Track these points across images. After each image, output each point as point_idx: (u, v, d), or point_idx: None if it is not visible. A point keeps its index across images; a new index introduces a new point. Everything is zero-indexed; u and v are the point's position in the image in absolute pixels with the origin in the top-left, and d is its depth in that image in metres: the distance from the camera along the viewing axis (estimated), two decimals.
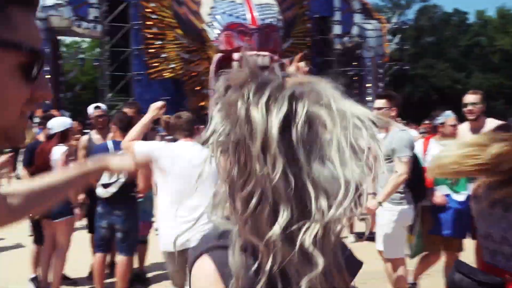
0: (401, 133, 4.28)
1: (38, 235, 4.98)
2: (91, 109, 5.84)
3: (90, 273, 5.10)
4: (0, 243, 6.60)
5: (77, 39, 41.84)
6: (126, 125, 4.69)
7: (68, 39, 44.03)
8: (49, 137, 4.79)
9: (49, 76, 23.17)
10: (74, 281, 5.27)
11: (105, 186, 4.54)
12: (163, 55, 24.46)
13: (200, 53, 24.00)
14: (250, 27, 21.58)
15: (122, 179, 4.41)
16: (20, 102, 0.76)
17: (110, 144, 4.73)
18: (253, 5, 22.33)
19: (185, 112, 4.09)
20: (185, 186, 3.58)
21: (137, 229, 4.71)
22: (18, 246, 6.41)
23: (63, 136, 4.81)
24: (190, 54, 24.22)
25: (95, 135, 5.60)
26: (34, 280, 5.00)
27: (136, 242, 4.74)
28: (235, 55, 20.87)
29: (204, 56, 23.92)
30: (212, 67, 21.93)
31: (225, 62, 21.15)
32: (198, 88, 24.32)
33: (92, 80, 42.60)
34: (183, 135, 3.91)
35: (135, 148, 3.74)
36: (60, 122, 4.89)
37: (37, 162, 4.63)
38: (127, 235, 4.49)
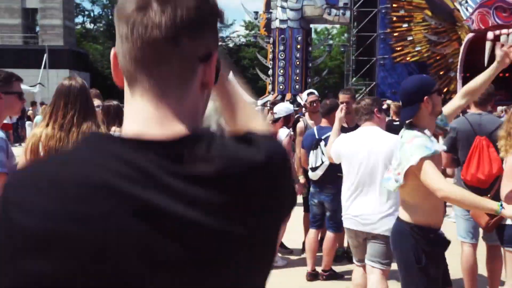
0: None
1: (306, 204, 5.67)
2: (304, 95, 6.15)
3: (303, 245, 5.50)
4: None
5: (328, 26, 43.84)
6: (326, 111, 4.88)
7: (319, 27, 46.53)
8: (275, 121, 5.33)
9: (299, 63, 24.99)
10: (290, 250, 5.77)
11: (313, 169, 4.87)
12: (409, 38, 23.92)
13: (449, 34, 22.70)
14: (510, 1, 19.42)
15: (327, 162, 4.63)
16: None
17: (315, 130, 5.03)
18: None
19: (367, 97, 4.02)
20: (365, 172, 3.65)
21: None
22: None
23: (287, 120, 5.31)
24: (438, 36, 23.11)
25: (309, 120, 5.85)
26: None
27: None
28: (489, 34, 19.16)
29: (454, 37, 22.55)
30: (463, 48, 20.61)
31: (477, 42, 19.63)
32: (443, 71, 23.13)
33: (339, 65, 44.14)
34: (363, 120, 3.83)
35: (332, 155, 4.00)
36: (284, 108, 5.40)
37: None
38: (335, 213, 4.68)
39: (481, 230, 3.98)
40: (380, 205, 3.61)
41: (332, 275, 4.97)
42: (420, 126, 2.78)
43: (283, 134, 5.07)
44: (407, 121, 2.87)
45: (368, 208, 3.66)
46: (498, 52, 2.94)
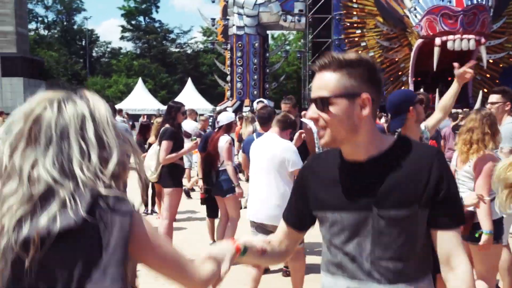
0: (508, 125, 4.44)
1: (210, 210, 6.00)
2: (255, 104, 6.55)
3: None
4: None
5: (284, 32, 44.56)
6: (266, 120, 5.10)
7: (276, 33, 47.21)
8: (218, 128, 5.68)
9: (256, 68, 25.42)
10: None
11: None
12: (362, 44, 24.69)
13: (400, 39, 23.61)
14: (455, 9, 20.36)
15: None
16: None
17: (255, 136, 5.31)
18: None
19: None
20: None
21: None
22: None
23: (228, 128, 5.65)
24: (390, 41, 23.99)
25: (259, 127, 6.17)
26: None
27: None
28: (437, 41, 20.07)
29: (405, 43, 23.46)
30: (413, 54, 21.48)
31: (426, 48, 20.52)
32: (395, 76, 24.09)
33: (296, 70, 44.92)
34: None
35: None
36: (226, 116, 5.75)
37: (209, 149, 5.57)
38: None
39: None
40: (282, 202, 4.12)
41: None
42: (407, 133, 3.02)
43: (224, 140, 5.42)
44: (397, 130, 3.23)
45: (268, 206, 4.19)
46: (456, 72, 3.45)
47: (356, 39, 24.88)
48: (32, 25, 52.53)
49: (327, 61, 1.48)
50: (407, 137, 1.62)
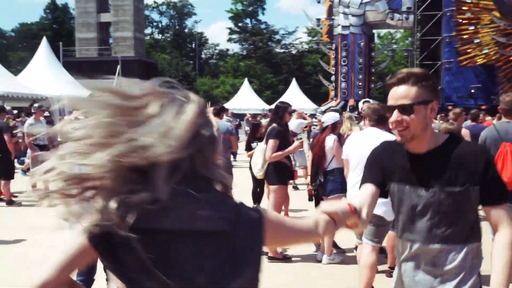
0: None
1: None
2: (361, 103, 6.48)
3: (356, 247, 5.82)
4: None
5: (391, 31, 43.36)
6: (379, 118, 5.10)
7: (382, 32, 46.09)
8: (323, 129, 5.72)
9: (361, 68, 25.05)
10: (343, 250, 6.04)
11: None
12: (476, 41, 23.38)
13: None
14: None
15: None
16: None
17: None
18: None
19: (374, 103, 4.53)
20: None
21: None
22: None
23: (334, 128, 5.67)
24: (508, 37, 22.46)
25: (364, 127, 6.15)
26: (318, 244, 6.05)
27: None
28: None
29: None
30: None
31: None
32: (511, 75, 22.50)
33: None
34: (370, 123, 4.44)
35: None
36: (331, 116, 5.76)
37: (315, 150, 5.66)
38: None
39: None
40: None
41: None
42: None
43: (331, 140, 5.47)
44: None
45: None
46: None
47: (469, 36, 23.59)
48: (148, 30, 56.22)
49: (406, 77, 1.96)
50: (457, 136, 2.10)
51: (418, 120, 1.93)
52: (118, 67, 32.25)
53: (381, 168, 2.12)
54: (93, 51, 38.56)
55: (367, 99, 6.62)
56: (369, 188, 2.08)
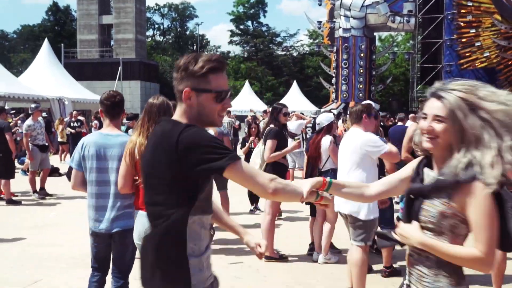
0: None
1: (313, 209, 6.01)
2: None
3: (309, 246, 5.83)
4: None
5: (392, 33, 43.40)
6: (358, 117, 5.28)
7: (383, 35, 46.15)
8: (318, 131, 5.75)
9: (362, 71, 25.09)
10: (339, 251, 6.06)
11: None
12: (477, 44, 23.38)
13: None
14: None
15: None
16: (216, 111, 1.89)
17: None
18: None
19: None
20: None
21: None
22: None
23: (329, 129, 5.71)
24: (509, 41, 22.47)
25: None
26: (311, 244, 6.06)
27: None
28: None
29: None
30: None
31: None
32: None
33: (403, 72, 43.53)
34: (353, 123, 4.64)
35: None
36: (326, 117, 5.80)
37: (310, 150, 5.69)
38: (382, 213, 4.92)
39: None
40: None
41: (394, 271, 5.28)
42: None
43: (327, 141, 5.50)
44: None
45: None
46: None
47: (470, 39, 23.62)
48: (149, 32, 56.32)
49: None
50: None
51: (448, 132, 1.85)
52: (120, 68, 32.35)
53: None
54: (95, 52, 38.66)
55: (369, 101, 6.62)
56: (398, 174, 2.15)
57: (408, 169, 2.10)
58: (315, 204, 2.00)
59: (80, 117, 16.98)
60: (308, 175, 5.65)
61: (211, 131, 6.26)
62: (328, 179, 2.06)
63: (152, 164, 1.84)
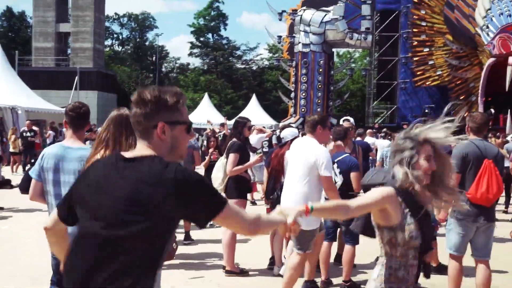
0: None
1: None
2: (341, 121, 6.70)
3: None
4: None
5: (350, 50, 44.42)
6: (341, 137, 5.44)
7: (341, 51, 47.17)
8: (282, 145, 5.83)
9: (321, 86, 25.52)
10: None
11: None
12: (430, 62, 24.29)
13: (471, 58, 23.03)
14: None
15: (339, 182, 5.19)
16: (186, 142, 1.92)
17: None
18: None
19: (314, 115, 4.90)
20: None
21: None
22: None
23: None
24: (460, 60, 23.44)
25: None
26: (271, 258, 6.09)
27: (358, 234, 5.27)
28: (510, 59, 19.41)
29: (475, 62, 22.86)
30: (484, 73, 20.85)
31: (498, 67, 19.88)
32: (464, 96, 23.48)
33: (360, 88, 44.54)
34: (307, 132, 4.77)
35: None
36: (290, 132, 5.89)
37: (273, 164, 5.74)
38: (349, 227, 5.03)
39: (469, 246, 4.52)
40: (300, 201, 4.20)
41: (353, 285, 5.35)
42: None
43: None
44: None
45: (291, 203, 4.38)
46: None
47: (424, 57, 24.47)
48: (108, 42, 55.45)
49: None
50: None
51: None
52: (76, 78, 31.64)
53: None
54: (50, 61, 37.69)
55: (347, 118, 6.87)
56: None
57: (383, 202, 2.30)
58: (287, 227, 2.03)
59: (34, 127, 16.47)
60: (270, 188, 5.67)
61: None
62: (309, 204, 2.15)
63: (133, 199, 1.68)
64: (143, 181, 1.68)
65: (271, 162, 5.73)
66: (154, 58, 57.28)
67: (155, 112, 1.77)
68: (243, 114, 26.11)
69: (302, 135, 10.77)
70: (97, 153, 3.10)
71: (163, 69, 59.54)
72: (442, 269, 5.43)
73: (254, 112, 30.94)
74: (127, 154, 1.82)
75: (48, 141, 17.27)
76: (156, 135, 1.79)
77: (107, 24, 50.96)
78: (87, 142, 8.20)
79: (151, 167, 1.72)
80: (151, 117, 1.78)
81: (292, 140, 5.73)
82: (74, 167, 3.31)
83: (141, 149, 1.81)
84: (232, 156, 5.59)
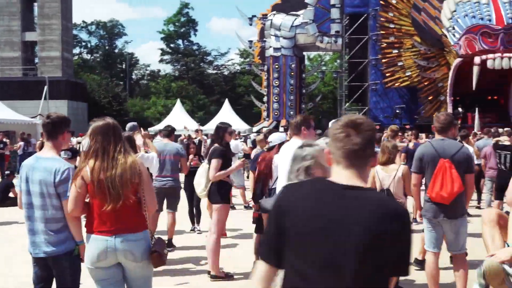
0: None
1: (258, 226, 6.00)
2: (330, 123, 6.83)
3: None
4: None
5: (320, 53, 44.88)
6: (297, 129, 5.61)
7: (312, 54, 47.59)
8: (270, 149, 5.87)
9: (293, 89, 25.73)
10: None
11: None
12: (399, 63, 24.72)
13: (438, 59, 23.54)
14: (495, 27, 20.20)
15: None
16: None
17: None
18: (501, 3, 20.77)
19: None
20: None
21: None
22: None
23: (280, 147, 5.84)
24: (428, 61, 23.94)
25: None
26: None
27: None
28: (476, 59, 19.93)
29: (442, 62, 23.37)
30: (451, 73, 21.34)
31: (465, 67, 20.38)
32: (433, 96, 24.02)
33: (332, 90, 45.02)
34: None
35: None
36: (278, 136, 5.94)
37: (260, 168, 5.78)
38: None
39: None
40: None
41: None
42: None
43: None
44: None
45: None
46: None
47: (393, 59, 24.92)
48: (76, 50, 54.60)
49: None
50: None
51: None
52: (45, 87, 31.06)
53: None
54: (17, 70, 36.89)
55: (338, 119, 6.95)
56: None
57: None
58: None
59: (4, 139, 16.11)
60: (259, 192, 5.66)
61: (154, 152, 6.18)
62: None
63: (375, 235, 1.59)
64: (379, 214, 1.69)
65: (258, 166, 5.75)
66: (124, 65, 56.73)
67: (373, 142, 1.76)
68: (216, 119, 26.09)
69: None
70: (87, 164, 3.10)
71: (134, 76, 59.01)
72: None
73: (227, 117, 30.86)
74: None
75: (19, 152, 16.90)
76: (372, 166, 1.79)
77: (74, 32, 50.21)
78: (62, 153, 8.08)
79: (379, 197, 1.79)
80: (371, 146, 1.74)
81: (280, 144, 5.77)
82: (38, 177, 3.33)
83: (356, 178, 1.73)
84: (214, 161, 5.60)
